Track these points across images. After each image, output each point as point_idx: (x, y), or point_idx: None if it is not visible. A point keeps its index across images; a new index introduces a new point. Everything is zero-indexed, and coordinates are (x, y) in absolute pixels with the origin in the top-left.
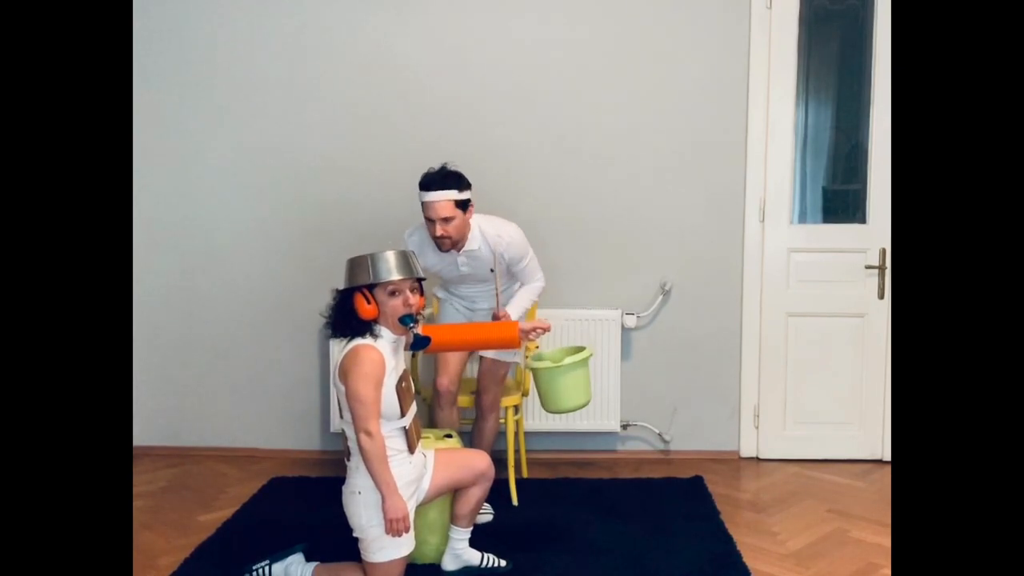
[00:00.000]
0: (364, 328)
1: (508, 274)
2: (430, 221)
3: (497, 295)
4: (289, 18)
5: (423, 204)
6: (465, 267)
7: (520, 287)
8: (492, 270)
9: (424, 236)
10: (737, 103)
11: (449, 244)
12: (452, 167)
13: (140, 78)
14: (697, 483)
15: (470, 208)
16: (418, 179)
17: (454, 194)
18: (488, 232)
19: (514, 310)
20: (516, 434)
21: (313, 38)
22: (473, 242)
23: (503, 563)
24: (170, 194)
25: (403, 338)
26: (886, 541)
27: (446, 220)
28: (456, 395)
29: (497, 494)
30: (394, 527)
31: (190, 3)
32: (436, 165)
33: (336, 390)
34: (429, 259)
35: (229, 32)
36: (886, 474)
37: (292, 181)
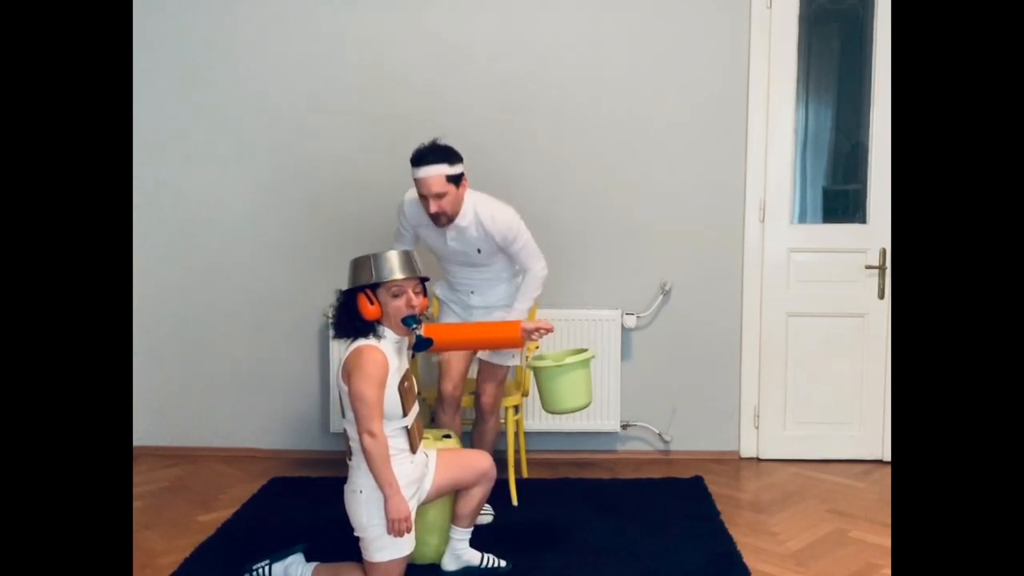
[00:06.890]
0: (367, 329)
1: (500, 254)
2: (424, 198)
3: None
4: (289, 17)
5: (416, 181)
6: (454, 242)
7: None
8: (479, 250)
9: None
10: (737, 103)
11: (445, 220)
12: (442, 141)
13: (140, 77)
14: (697, 483)
15: (463, 182)
16: None
17: (445, 168)
18: (481, 212)
19: (520, 303)
20: (516, 434)
21: (313, 37)
22: (464, 218)
23: (503, 563)
24: (170, 194)
25: (406, 339)
26: (886, 541)
27: (439, 196)
28: (460, 399)
29: (497, 494)
30: (396, 527)
31: (188, 3)
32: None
33: (339, 390)
34: (422, 228)
35: (228, 32)
36: (886, 474)
37: (292, 181)
